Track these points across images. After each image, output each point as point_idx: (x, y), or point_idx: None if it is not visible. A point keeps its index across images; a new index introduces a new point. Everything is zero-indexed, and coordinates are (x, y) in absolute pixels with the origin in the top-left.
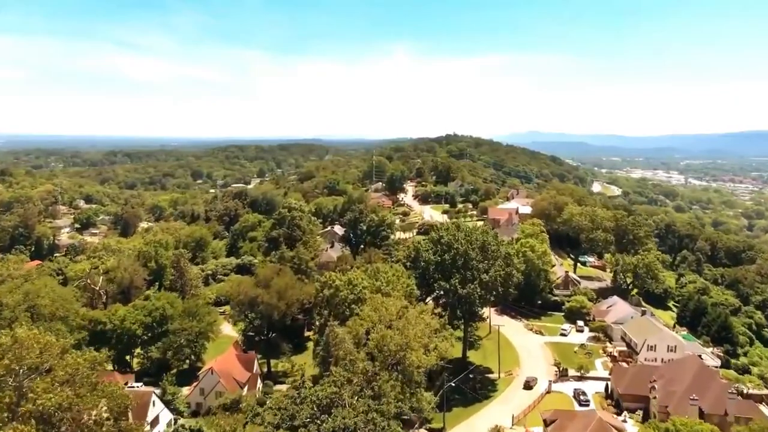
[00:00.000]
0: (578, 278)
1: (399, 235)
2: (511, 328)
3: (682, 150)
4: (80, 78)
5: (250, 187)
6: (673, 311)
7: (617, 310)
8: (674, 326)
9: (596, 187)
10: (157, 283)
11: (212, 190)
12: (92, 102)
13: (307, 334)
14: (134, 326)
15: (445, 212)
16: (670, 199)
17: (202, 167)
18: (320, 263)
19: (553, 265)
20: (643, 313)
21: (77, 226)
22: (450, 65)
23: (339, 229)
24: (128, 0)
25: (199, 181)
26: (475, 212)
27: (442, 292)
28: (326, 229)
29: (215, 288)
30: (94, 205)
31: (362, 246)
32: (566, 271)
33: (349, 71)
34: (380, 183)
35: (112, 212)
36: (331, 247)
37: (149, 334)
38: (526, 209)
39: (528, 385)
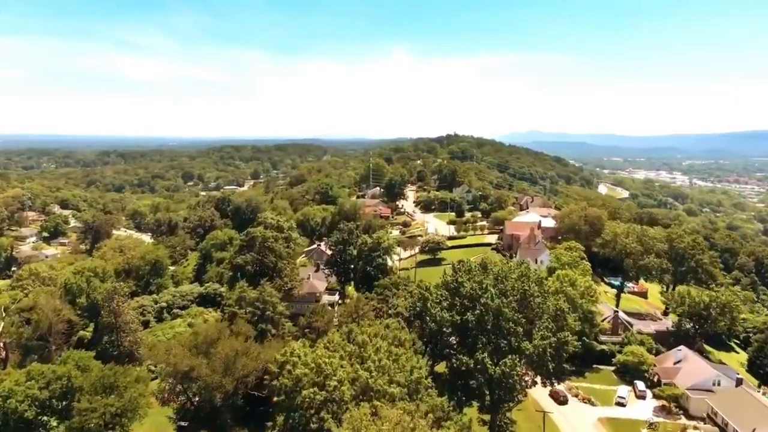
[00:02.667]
0: (629, 319)
1: (397, 256)
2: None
3: (683, 150)
4: (80, 78)
5: (242, 189)
6: (737, 352)
7: (691, 368)
8: (759, 386)
9: (602, 189)
10: (93, 323)
11: (203, 193)
12: (92, 102)
13: (275, 398)
14: (23, 405)
15: (451, 222)
16: (679, 202)
17: (195, 168)
18: (300, 296)
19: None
20: (739, 382)
21: (45, 235)
22: (450, 65)
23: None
24: (128, 0)
25: (190, 183)
26: (485, 223)
27: (463, 369)
28: (312, 247)
29: (150, 332)
30: (66, 211)
31: (352, 274)
32: (615, 311)
33: (349, 71)
34: (378, 188)
35: (84, 219)
36: (316, 271)
37: (48, 414)
38: (549, 222)
39: (561, 400)
